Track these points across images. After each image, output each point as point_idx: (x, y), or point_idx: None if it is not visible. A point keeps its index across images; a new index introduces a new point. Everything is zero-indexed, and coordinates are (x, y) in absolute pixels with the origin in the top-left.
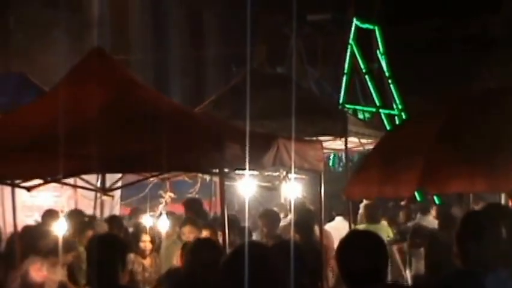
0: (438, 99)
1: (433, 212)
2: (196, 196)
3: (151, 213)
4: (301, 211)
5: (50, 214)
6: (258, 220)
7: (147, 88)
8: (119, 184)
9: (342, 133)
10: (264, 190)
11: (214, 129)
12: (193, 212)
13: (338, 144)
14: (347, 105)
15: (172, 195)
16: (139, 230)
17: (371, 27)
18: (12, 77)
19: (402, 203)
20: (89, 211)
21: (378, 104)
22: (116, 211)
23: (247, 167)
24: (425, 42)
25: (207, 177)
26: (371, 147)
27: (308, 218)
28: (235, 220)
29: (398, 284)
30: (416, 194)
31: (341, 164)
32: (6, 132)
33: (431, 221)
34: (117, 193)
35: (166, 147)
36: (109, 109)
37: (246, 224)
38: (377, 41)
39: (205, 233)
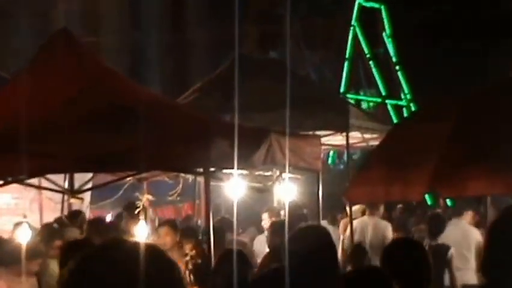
0: (450, 89)
1: (468, 216)
2: (178, 199)
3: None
4: (295, 217)
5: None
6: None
7: (121, 76)
8: (89, 185)
9: (344, 127)
10: (255, 192)
11: (198, 123)
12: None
13: (339, 139)
14: (349, 95)
15: (149, 197)
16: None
17: (376, 6)
18: None
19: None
20: (55, 215)
21: (384, 93)
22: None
23: (235, 165)
24: (437, 22)
25: (190, 177)
26: (375, 143)
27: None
28: (223, 227)
29: None
30: (426, 197)
31: (342, 162)
32: None
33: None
34: (87, 195)
35: (143, 144)
36: (77, 101)
37: (235, 232)
38: (383, 22)
39: (187, 244)
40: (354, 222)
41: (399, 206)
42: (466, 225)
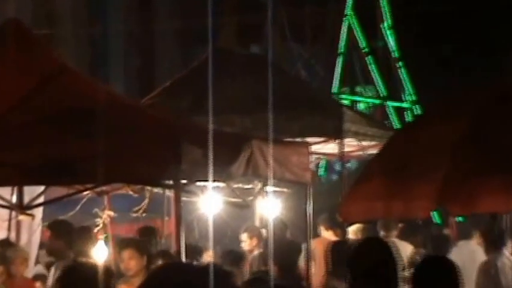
0: (460, 89)
1: (477, 237)
2: (144, 215)
3: None
4: (281, 239)
5: None
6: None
7: (78, 74)
8: (41, 200)
9: (337, 133)
10: (233, 208)
11: (167, 127)
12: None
13: (331, 147)
14: (343, 95)
15: (111, 213)
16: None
17: None
18: None
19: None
20: (1, 234)
21: (383, 94)
22: (37, 235)
23: (210, 177)
24: (445, 12)
25: (158, 190)
26: (374, 151)
27: (289, 249)
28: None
29: None
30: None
31: (335, 173)
32: None
33: (473, 247)
34: (38, 212)
35: (102, 152)
36: (27, 102)
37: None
38: (383, 11)
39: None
40: None
41: (400, 225)
42: (475, 247)
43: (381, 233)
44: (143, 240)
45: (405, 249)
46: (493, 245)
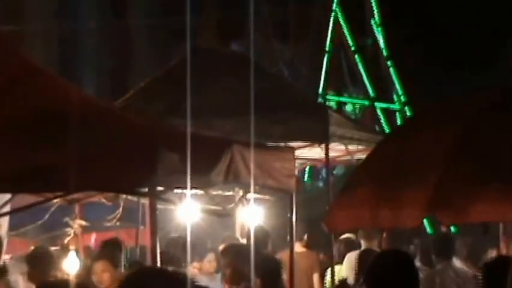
0: (453, 90)
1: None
2: (117, 224)
3: (53, 248)
4: (263, 249)
5: None
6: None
7: (47, 74)
8: (7, 208)
9: (322, 137)
10: (213, 216)
11: (141, 131)
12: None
13: (317, 152)
14: (329, 96)
15: (82, 223)
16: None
17: None
18: None
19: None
20: None
21: (372, 94)
22: (3, 245)
23: (188, 184)
24: (439, 8)
25: (133, 198)
26: (362, 156)
27: (273, 260)
28: (173, 259)
29: None
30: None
31: (320, 179)
32: None
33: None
34: (4, 221)
35: (72, 157)
36: None
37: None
38: (371, 7)
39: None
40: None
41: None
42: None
43: (362, 243)
44: (115, 252)
45: None
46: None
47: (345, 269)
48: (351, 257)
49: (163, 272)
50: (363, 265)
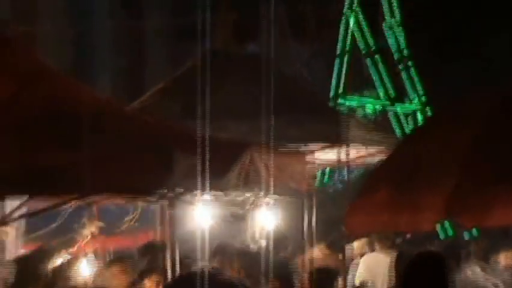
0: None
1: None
2: (136, 225)
3: (69, 251)
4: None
5: None
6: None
7: (62, 76)
8: (21, 212)
9: (340, 139)
10: (229, 218)
11: (158, 133)
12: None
13: (334, 153)
14: (345, 98)
15: (100, 224)
16: (56, 277)
17: None
18: None
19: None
20: None
21: (392, 95)
22: (20, 249)
23: (207, 187)
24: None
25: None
26: (379, 158)
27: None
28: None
29: None
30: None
31: (339, 180)
32: None
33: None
34: (12, 227)
35: (90, 161)
36: (6, 106)
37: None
38: (391, 8)
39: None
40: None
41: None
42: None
43: (376, 246)
44: (130, 257)
45: None
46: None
47: (363, 272)
48: (367, 260)
49: (211, 276)
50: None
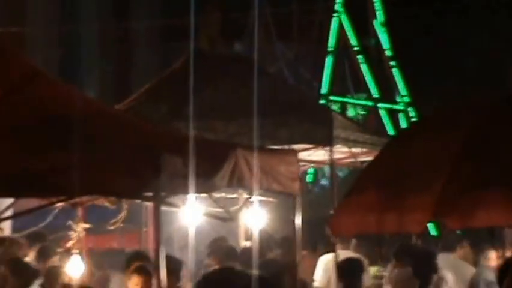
0: (460, 90)
1: (460, 250)
2: (121, 226)
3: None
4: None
5: None
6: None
7: (51, 79)
8: (9, 212)
9: (327, 140)
10: (216, 219)
11: (144, 135)
12: None
13: (321, 154)
14: (332, 98)
15: (86, 226)
16: (52, 276)
17: None
18: None
19: None
20: None
21: (376, 95)
22: None
23: (192, 190)
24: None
25: (137, 201)
26: (365, 158)
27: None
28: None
29: None
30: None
31: (324, 179)
32: None
33: (453, 260)
34: (7, 224)
35: (76, 162)
36: None
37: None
38: (375, 8)
39: (135, 278)
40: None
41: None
42: (457, 262)
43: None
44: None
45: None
46: None
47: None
48: (324, 260)
49: (240, 273)
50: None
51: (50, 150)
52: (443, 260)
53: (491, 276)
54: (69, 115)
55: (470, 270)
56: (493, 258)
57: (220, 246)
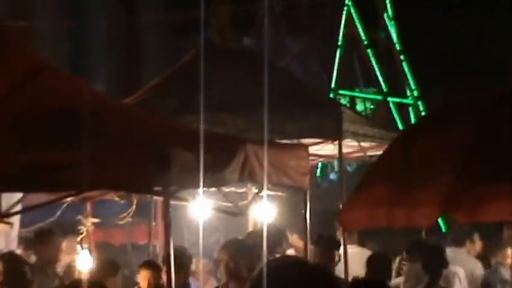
0: (469, 82)
1: (470, 245)
2: (130, 220)
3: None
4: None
5: None
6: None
7: (60, 72)
8: (19, 207)
9: (335, 134)
10: (225, 214)
11: (154, 129)
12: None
13: (330, 148)
14: (341, 92)
15: (95, 221)
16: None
17: None
18: None
19: None
20: None
21: (385, 89)
22: (14, 243)
23: (202, 184)
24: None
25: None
26: (374, 152)
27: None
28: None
29: None
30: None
31: (333, 173)
32: None
33: (464, 257)
34: (16, 219)
35: (85, 157)
36: (2, 103)
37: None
38: (384, 1)
39: (143, 272)
40: None
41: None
42: (467, 258)
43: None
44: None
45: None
46: None
47: None
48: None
49: (301, 262)
50: None
51: (59, 145)
52: (450, 254)
53: (507, 274)
54: (78, 109)
55: (476, 265)
56: (509, 256)
57: (231, 241)
